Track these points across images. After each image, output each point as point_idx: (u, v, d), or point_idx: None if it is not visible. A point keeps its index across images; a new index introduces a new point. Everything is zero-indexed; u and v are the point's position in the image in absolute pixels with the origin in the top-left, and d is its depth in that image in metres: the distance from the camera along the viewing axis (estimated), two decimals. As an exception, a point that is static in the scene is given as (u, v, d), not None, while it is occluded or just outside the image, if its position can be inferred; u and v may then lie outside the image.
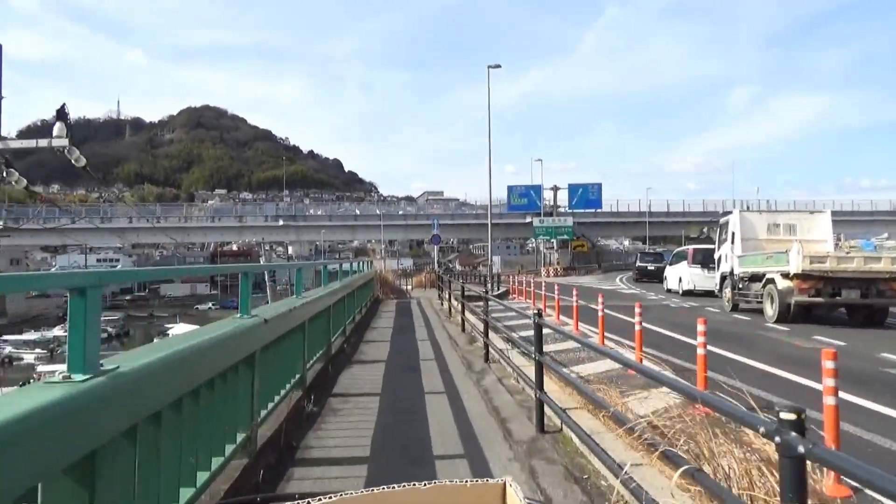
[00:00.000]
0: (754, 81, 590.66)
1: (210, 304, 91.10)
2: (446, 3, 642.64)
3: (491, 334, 9.67)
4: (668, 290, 27.81)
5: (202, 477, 3.36)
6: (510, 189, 63.71)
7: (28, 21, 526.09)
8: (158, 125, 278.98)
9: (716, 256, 21.05)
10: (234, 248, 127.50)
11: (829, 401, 4.19)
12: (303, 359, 6.46)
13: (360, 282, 15.54)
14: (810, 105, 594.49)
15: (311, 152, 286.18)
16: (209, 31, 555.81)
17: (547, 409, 5.52)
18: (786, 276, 14.81)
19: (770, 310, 15.53)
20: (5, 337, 54.82)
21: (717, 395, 3.80)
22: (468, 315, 13.42)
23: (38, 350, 51.08)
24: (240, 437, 4.07)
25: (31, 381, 34.59)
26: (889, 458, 5.05)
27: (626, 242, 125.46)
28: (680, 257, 27.78)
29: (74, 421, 2.02)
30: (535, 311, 5.47)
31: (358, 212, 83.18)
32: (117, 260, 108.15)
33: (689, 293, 25.20)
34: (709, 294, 23.68)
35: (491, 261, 32.57)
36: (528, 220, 66.06)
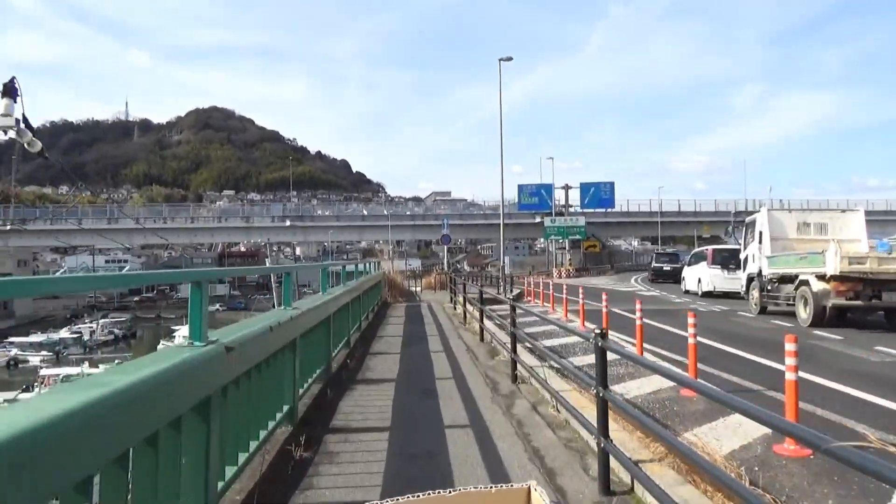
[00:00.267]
0: (759, 80, 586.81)
1: (217, 306, 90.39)
2: (447, 2, 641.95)
3: (518, 348, 8.35)
4: (686, 291, 27.28)
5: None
6: (521, 188, 62.44)
7: (31, 22, 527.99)
8: (166, 126, 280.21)
9: (741, 257, 20.34)
10: (242, 248, 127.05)
11: None
12: (293, 386, 5.27)
13: (367, 285, 14.40)
14: (816, 104, 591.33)
15: (318, 153, 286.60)
16: (213, 31, 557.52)
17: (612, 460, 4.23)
18: (821, 277, 14.20)
19: (804, 313, 14.90)
20: (11, 339, 54.24)
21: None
22: (487, 323, 12.25)
23: (44, 352, 50.42)
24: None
25: (38, 381, 33.96)
26: None
27: (635, 243, 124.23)
28: (699, 258, 27.18)
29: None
30: (598, 332, 4.19)
31: (366, 212, 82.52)
32: (125, 261, 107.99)
33: (708, 294, 24.68)
34: (728, 295, 23.31)
35: (503, 261, 31.32)
36: (539, 220, 64.95)
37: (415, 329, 14.37)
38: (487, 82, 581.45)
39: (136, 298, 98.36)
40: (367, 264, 17.54)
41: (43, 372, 36.78)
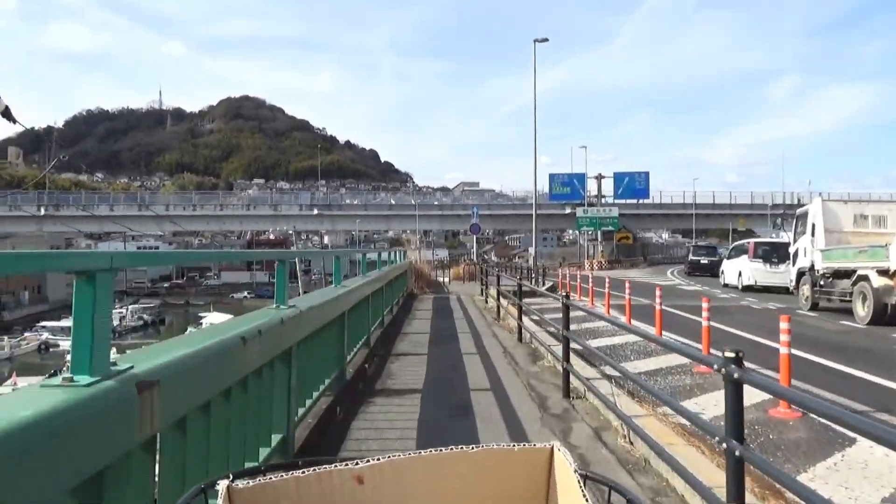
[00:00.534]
0: (797, 72, 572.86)
1: (245, 293, 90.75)
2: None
3: (573, 358, 7.09)
4: (726, 285, 26.53)
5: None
6: (552, 177, 60.69)
7: (72, 13, 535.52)
8: (198, 115, 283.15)
9: (791, 250, 19.43)
10: (271, 236, 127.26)
11: None
12: (287, 410, 4.09)
13: (390, 276, 13.36)
14: (855, 96, 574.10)
15: (347, 143, 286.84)
16: (246, 21, 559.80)
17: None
18: (883, 272, 13.45)
19: (861, 310, 14.14)
20: (43, 323, 54.63)
21: None
22: (526, 320, 10.91)
23: (74, 337, 50.61)
24: None
25: (57, 372, 33.86)
26: None
27: (665, 235, 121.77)
28: (739, 251, 26.39)
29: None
30: (730, 356, 3.06)
31: (393, 202, 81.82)
32: (157, 247, 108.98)
33: (749, 288, 23.97)
34: (768, 290, 23.06)
35: (536, 252, 30.10)
36: (569, 210, 63.39)
37: (443, 325, 13.08)
38: (517, 73, 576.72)
39: (165, 285, 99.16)
40: (392, 253, 16.50)
41: (70, 357, 36.58)
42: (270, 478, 1.02)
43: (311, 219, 76.01)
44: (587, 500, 0.98)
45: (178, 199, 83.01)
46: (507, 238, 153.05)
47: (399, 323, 13.17)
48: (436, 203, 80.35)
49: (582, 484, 1.01)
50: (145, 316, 65.42)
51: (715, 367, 3.15)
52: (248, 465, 3.25)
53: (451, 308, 16.85)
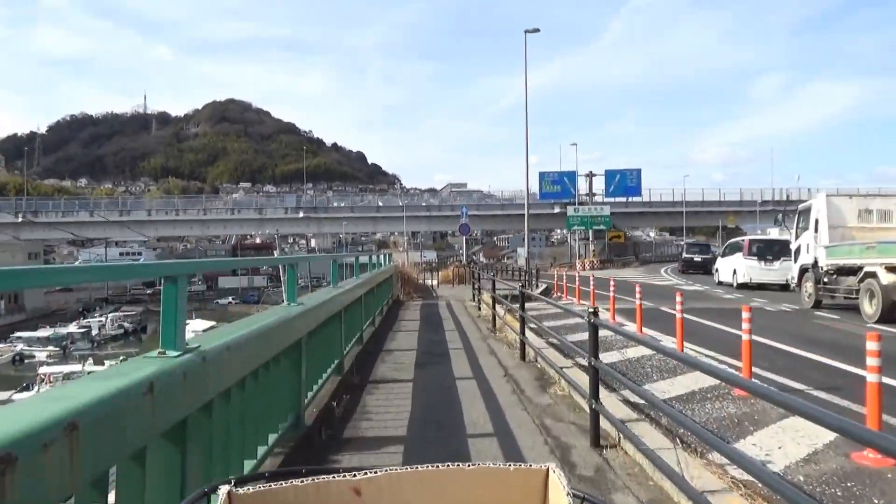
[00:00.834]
0: (782, 69, 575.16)
1: (230, 299, 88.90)
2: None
3: (603, 394, 5.52)
4: (720, 283, 26.44)
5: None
6: (542, 176, 59.30)
7: (55, 17, 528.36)
8: (184, 119, 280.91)
9: (792, 247, 19.14)
10: (258, 240, 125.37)
11: None
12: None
13: (371, 284, 11.93)
14: (840, 93, 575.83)
15: (334, 145, 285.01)
16: (232, 24, 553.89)
17: None
18: (893, 269, 13.21)
19: (869, 308, 13.80)
20: (19, 334, 52.71)
21: None
22: (530, 336, 9.35)
23: (51, 347, 48.86)
24: None
25: (37, 380, 32.25)
26: None
27: (653, 233, 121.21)
28: (734, 249, 26.27)
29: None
30: None
31: (381, 203, 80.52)
32: (139, 254, 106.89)
33: (744, 286, 23.83)
34: (763, 287, 23.26)
35: (528, 253, 28.78)
36: (557, 210, 62.24)
37: (432, 339, 11.37)
38: (505, 73, 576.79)
39: (149, 291, 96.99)
40: (376, 256, 15.04)
41: (42, 370, 34.90)
42: (270, 485, 1.03)
43: (296, 222, 74.82)
44: None
45: (161, 204, 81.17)
46: (495, 239, 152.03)
47: (381, 338, 11.50)
48: (424, 204, 79.04)
49: None
50: (126, 324, 63.54)
51: None
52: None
53: (441, 317, 15.14)
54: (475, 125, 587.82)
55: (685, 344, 9.54)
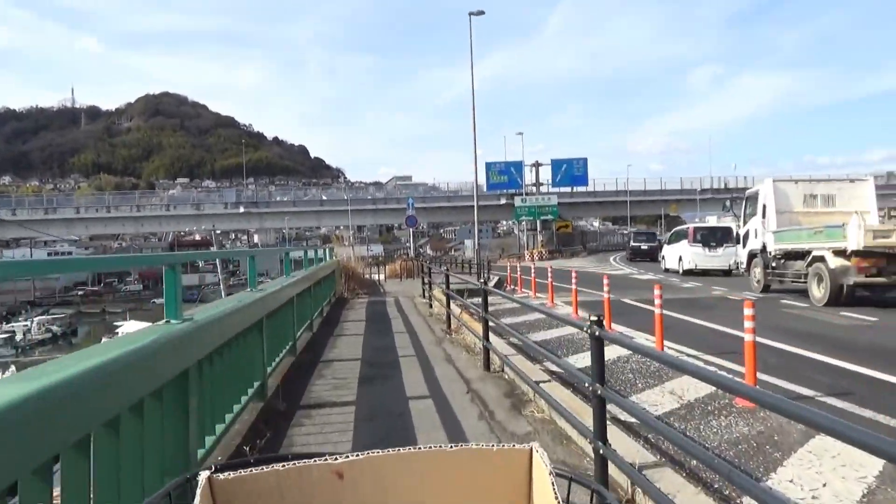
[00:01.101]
0: (716, 61, 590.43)
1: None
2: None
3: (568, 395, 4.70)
4: (666, 270, 27.23)
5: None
6: (489, 166, 58.24)
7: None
8: (116, 113, 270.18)
9: (741, 232, 19.43)
10: (197, 237, 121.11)
11: None
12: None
13: (312, 279, 10.50)
14: (771, 85, 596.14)
15: (275, 139, 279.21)
16: (164, 15, 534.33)
17: None
18: (839, 253, 13.46)
19: (818, 291, 14.07)
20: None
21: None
22: (495, 340, 7.94)
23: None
24: None
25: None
26: None
27: (597, 223, 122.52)
28: (679, 236, 27.03)
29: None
30: None
31: (325, 197, 78.59)
32: (70, 253, 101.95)
33: (689, 272, 24.59)
34: (707, 273, 24.10)
35: (479, 244, 27.64)
36: (504, 201, 61.54)
37: (380, 344, 9.80)
38: (447, 66, 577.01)
39: (80, 292, 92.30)
40: (314, 251, 13.54)
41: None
42: (252, 471, 1.01)
43: (237, 217, 72.43)
44: (558, 500, 0.99)
45: (91, 201, 77.14)
46: (441, 231, 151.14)
47: (320, 345, 9.85)
48: (369, 197, 77.45)
49: (562, 486, 1.03)
50: (54, 328, 59.91)
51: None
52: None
53: (389, 316, 13.60)
54: (419, 118, 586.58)
55: (664, 343, 8.49)
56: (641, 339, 9.86)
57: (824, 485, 4.05)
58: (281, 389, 6.00)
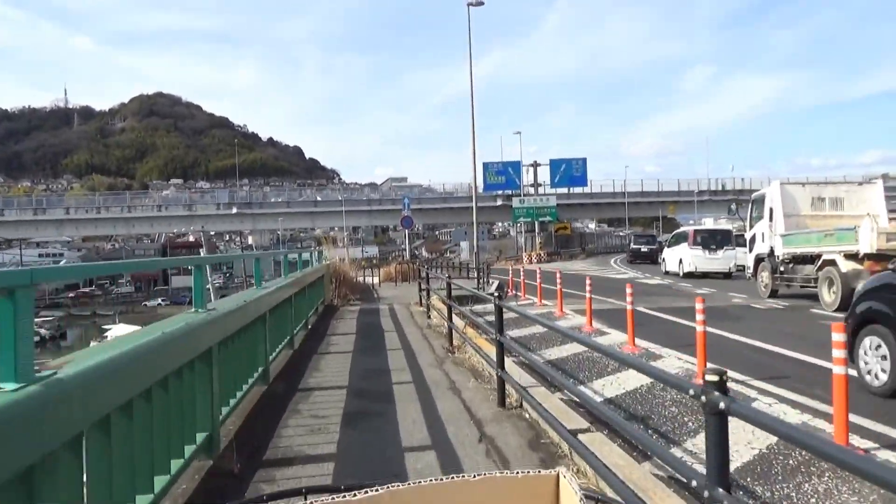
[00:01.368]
0: (710, 62, 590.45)
1: (160, 301, 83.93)
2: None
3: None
4: (667, 272, 27.17)
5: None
6: (486, 166, 56.82)
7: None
8: (109, 114, 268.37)
9: (747, 236, 19.07)
10: (190, 238, 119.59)
11: None
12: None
13: (294, 289, 9.20)
14: (766, 85, 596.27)
15: (270, 139, 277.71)
16: (158, 14, 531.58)
17: None
18: (851, 256, 13.18)
19: (828, 296, 13.73)
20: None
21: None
22: (511, 366, 6.35)
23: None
24: None
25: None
26: None
27: (592, 225, 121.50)
28: (679, 239, 26.97)
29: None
30: None
31: (319, 198, 77.31)
32: (61, 255, 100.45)
33: (689, 275, 24.57)
34: (707, 276, 24.06)
35: (478, 247, 26.35)
36: (500, 203, 60.29)
37: (371, 367, 8.10)
38: (444, 65, 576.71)
39: (70, 294, 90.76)
40: (300, 255, 12.19)
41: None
42: None
43: (229, 218, 71.06)
44: None
45: (82, 202, 75.61)
46: (437, 233, 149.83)
47: (300, 367, 8.15)
48: (364, 198, 76.16)
49: None
50: (42, 331, 58.43)
51: None
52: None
53: (383, 329, 12.02)
54: (415, 118, 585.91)
55: (708, 366, 7.16)
56: (672, 357, 8.58)
57: None
58: (235, 442, 4.54)
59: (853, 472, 1.83)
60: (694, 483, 2.23)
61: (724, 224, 30.06)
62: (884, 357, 6.36)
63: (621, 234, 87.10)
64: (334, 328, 11.90)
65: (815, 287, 14.38)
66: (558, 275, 14.52)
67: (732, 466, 3.27)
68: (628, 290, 9.43)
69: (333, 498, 0.98)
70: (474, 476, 1.04)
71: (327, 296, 15.85)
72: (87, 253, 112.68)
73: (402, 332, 11.12)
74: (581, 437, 4.14)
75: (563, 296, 14.14)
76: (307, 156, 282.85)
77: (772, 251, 16.54)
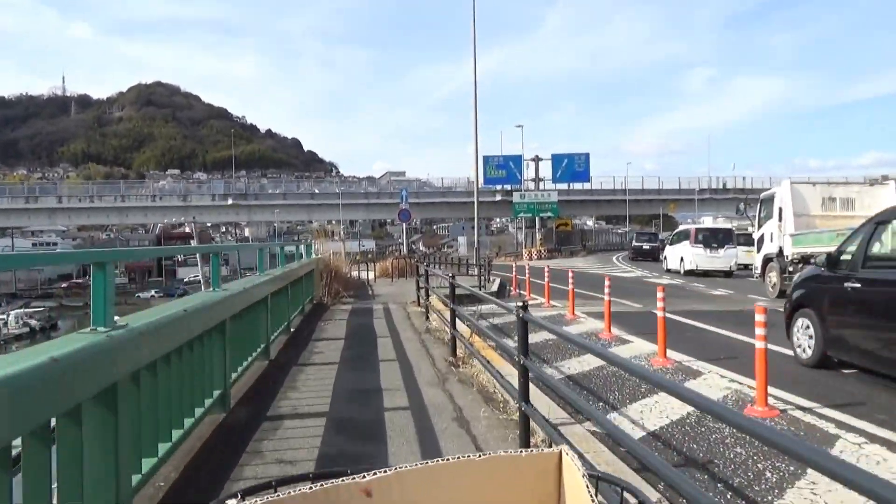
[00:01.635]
0: (711, 64, 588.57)
1: (153, 292, 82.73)
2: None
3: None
4: (668, 270, 27.59)
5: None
6: (486, 160, 55.17)
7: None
8: (107, 102, 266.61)
9: (755, 236, 18.96)
10: (187, 229, 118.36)
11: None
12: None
13: (274, 287, 7.92)
14: (765, 87, 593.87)
15: (268, 131, 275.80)
16: (159, 2, 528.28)
17: None
18: None
19: None
20: None
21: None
22: (539, 397, 5.23)
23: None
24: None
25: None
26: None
27: (590, 222, 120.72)
28: (681, 237, 27.34)
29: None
30: None
31: (316, 191, 76.17)
32: (55, 244, 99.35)
33: (690, 273, 24.94)
34: (708, 274, 24.40)
35: (478, 241, 25.10)
36: (499, 198, 59.04)
37: (359, 387, 6.66)
38: (446, 60, 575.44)
39: (63, 285, 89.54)
40: (281, 249, 10.84)
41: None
42: (279, 494, 0.99)
43: (225, 209, 69.74)
44: (594, 500, 0.98)
45: (75, 191, 74.24)
46: (434, 227, 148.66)
47: (271, 386, 6.65)
48: (362, 192, 74.92)
49: (592, 487, 1.02)
50: (33, 321, 57.25)
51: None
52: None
53: (376, 333, 10.59)
54: (415, 113, 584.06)
55: (772, 391, 5.95)
56: (713, 374, 7.33)
57: None
58: (208, 456, 3.30)
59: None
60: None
61: (723, 223, 30.56)
62: (810, 336, 7.70)
63: (619, 231, 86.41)
64: (321, 331, 10.54)
65: None
66: (570, 274, 13.24)
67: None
68: (659, 294, 8.17)
69: (343, 480, 0.98)
70: (479, 455, 1.04)
71: (317, 293, 14.55)
72: (82, 242, 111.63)
73: (397, 337, 9.77)
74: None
75: (574, 297, 12.90)
76: (306, 148, 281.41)
77: (780, 251, 16.41)
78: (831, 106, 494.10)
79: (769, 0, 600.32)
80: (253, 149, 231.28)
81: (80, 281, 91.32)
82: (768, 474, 4.28)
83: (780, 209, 16.64)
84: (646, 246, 41.70)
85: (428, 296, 11.79)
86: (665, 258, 29.37)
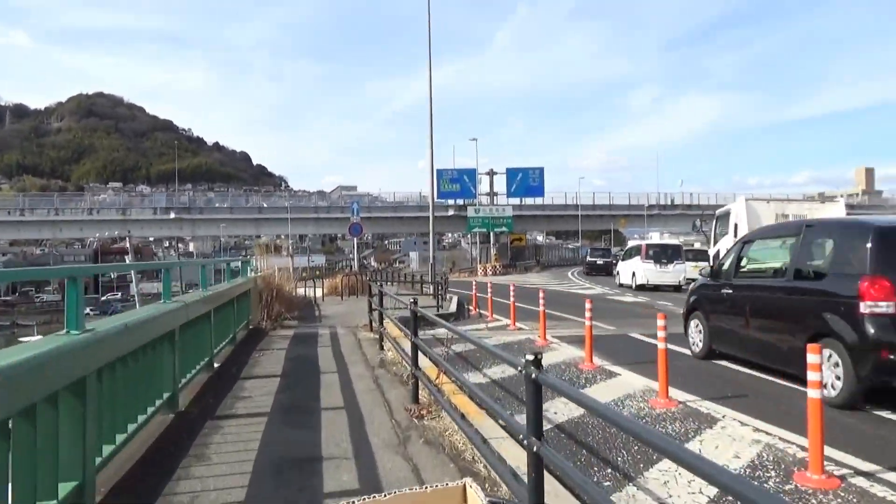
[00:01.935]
0: (656, 82, 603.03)
1: (88, 310, 78.33)
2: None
3: None
4: (620, 285, 28.10)
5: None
6: (440, 173, 54.03)
7: None
8: (45, 112, 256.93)
9: (710, 252, 19.41)
10: (127, 244, 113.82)
11: None
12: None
13: (173, 324, 5.99)
14: (706, 107, 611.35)
15: (216, 144, 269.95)
16: (102, 12, 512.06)
17: None
18: None
19: None
20: None
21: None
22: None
23: None
24: None
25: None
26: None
27: (540, 238, 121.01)
28: (632, 253, 28.00)
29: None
30: None
31: (265, 205, 73.88)
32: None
33: (641, 288, 25.55)
34: (658, 289, 24.94)
35: (433, 257, 23.76)
36: (452, 213, 58.03)
37: (292, 454, 4.90)
38: (397, 76, 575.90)
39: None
40: (225, 263, 9.20)
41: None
42: None
43: (167, 223, 66.80)
44: None
45: (3, 203, 70.21)
46: (386, 242, 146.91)
47: (173, 455, 4.85)
48: (312, 206, 72.95)
49: None
50: (-48, 344, 53.08)
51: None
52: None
53: (320, 368, 8.67)
54: (365, 128, 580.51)
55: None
56: (734, 422, 6.02)
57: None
58: None
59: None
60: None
61: (669, 238, 32.01)
62: (700, 332, 9.16)
63: (571, 246, 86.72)
64: (253, 366, 8.72)
65: None
66: (541, 294, 11.87)
67: None
68: (660, 322, 6.81)
69: None
70: (385, 495, 1.03)
71: (255, 316, 12.81)
72: (14, 258, 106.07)
73: (345, 374, 7.96)
74: None
75: (545, 318, 11.57)
76: (255, 162, 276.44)
77: None
78: (768, 125, 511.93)
79: (711, 23, 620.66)
80: (200, 162, 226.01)
81: (9, 298, 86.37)
82: None
83: (736, 225, 17.01)
84: (599, 261, 43.23)
85: (382, 321, 10.23)
86: (618, 273, 29.97)
